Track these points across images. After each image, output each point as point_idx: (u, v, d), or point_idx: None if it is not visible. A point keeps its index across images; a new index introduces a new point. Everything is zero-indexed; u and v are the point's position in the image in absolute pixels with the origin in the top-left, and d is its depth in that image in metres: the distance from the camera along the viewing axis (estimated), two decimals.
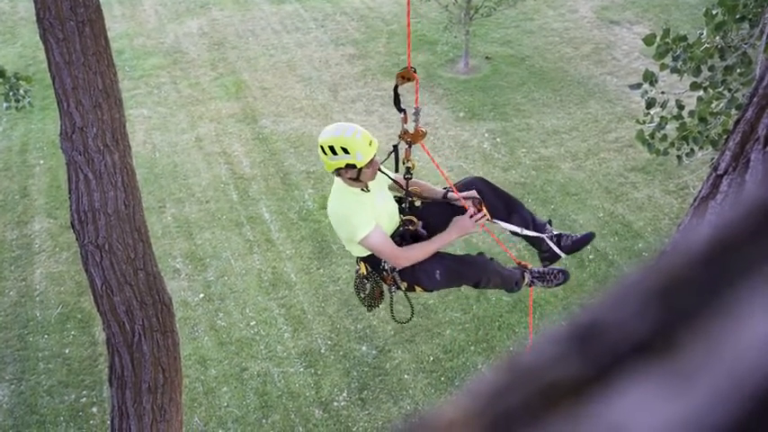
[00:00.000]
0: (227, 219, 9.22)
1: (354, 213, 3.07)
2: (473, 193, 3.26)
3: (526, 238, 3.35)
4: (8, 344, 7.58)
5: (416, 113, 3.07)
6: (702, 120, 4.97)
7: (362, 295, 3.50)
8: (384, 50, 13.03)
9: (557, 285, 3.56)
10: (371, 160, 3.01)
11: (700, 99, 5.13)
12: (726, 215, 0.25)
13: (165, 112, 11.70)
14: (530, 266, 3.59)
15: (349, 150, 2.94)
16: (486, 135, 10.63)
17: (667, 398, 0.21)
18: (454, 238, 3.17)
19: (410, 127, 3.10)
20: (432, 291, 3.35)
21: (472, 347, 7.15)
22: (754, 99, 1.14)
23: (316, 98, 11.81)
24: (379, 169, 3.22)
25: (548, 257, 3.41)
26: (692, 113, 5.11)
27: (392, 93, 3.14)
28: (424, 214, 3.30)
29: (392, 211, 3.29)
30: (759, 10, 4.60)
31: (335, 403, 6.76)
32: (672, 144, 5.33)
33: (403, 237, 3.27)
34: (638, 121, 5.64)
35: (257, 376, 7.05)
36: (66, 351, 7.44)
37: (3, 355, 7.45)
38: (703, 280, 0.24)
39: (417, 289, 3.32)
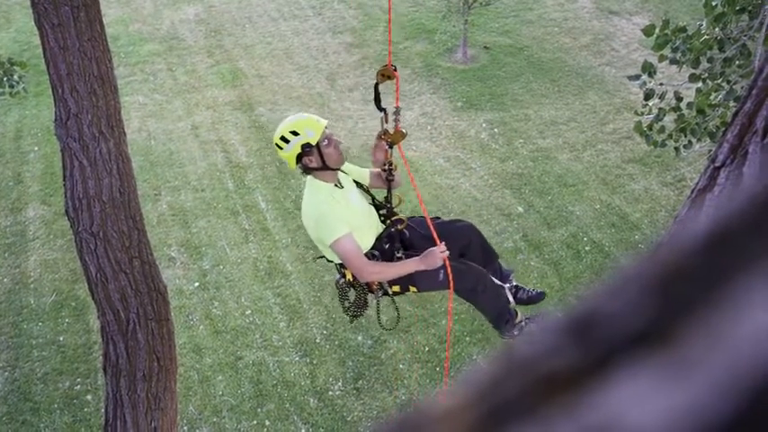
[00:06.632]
0: (223, 207, 9.20)
1: (328, 214, 2.97)
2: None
3: None
4: (2, 331, 7.57)
5: (396, 113, 3.03)
6: (701, 111, 4.97)
7: (347, 304, 3.38)
8: (382, 39, 12.96)
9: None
10: (328, 139, 2.99)
11: (698, 91, 5.12)
12: (724, 207, 0.25)
13: (161, 100, 11.64)
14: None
15: (297, 131, 2.96)
16: (484, 125, 10.61)
17: (665, 389, 0.21)
18: (420, 268, 3.07)
19: (390, 127, 3.06)
20: (422, 291, 3.32)
21: (468, 338, 7.18)
22: (753, 91, 1.14)
23: (313, 87, 11.76)
24: (357, 184, 3.23)
25: None
26: (690, 105, 5.10)
27: (374, 90, 3.10)
28: (404, 237, 3.30)
29: (368, 209, 3.24)
30: (759, 1, 4.59)
31: (330, 392, 6.79)
32: (670, 136, 5.33)
33: (391, 237, 3.21)
34: (636, 113, 5.64)
35: (252, 365, 7.07)
36: (61, 339, 7.44)
37: None
38: (702, 271, 0.23)
39: (411, 289, 3.26)
